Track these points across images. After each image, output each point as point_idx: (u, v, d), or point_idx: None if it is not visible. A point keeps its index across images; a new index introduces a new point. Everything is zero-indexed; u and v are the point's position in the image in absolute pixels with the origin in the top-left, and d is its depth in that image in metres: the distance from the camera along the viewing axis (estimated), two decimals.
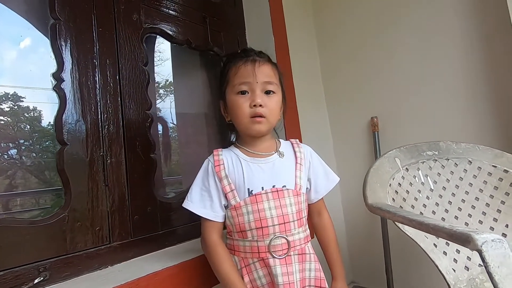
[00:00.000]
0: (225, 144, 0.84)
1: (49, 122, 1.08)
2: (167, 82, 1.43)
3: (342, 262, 0.81)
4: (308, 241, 0.74)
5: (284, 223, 0.69)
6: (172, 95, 1.41)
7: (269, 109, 0.72)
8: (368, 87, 1.47)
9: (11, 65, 1.04)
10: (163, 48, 1.30)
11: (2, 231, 0.65)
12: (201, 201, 0.72)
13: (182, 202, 0.74)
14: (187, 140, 1.42)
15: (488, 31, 1.11)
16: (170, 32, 1.06)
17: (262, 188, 0.70)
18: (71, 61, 0.80)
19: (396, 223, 0.74)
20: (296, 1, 1.53)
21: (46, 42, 1.02)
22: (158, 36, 1.09)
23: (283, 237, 0.69)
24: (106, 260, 0.78)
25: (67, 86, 0.78)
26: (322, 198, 0.81)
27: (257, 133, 0.73)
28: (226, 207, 0.73)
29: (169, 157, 1.37)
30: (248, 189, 0.70)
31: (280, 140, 0.82)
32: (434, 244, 0.79)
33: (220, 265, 0.68)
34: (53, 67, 0.79)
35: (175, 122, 1.42)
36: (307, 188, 0.79)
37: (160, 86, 1.42)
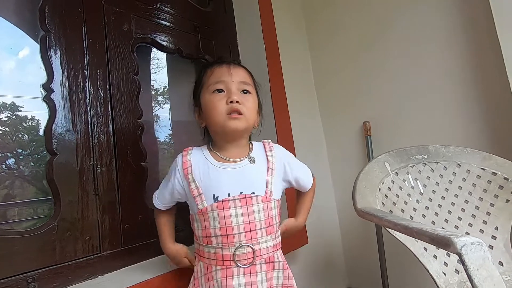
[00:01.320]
0: None
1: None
2: (165, 89, 1.44)
3: (308, 212, 0.88)
4: (277, 249, 0.72)
5: (250, 231, 0.67)
6: (169, 102, 1.42)
7: (247, 107, 0.70)
8: (360, 92, 1.49)
9: (8, 75, 1.05)
10: (160, 55, 1.32)
11: None
12: (157, 193, 0.79)
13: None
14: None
15: (476, 35, 1.13)
16: (161, 42, 1.08)
17: (229, 194, 0.67)
18: (61, 72, 0.81)
19: (386, 227, 0.75)
20: (286, 9, 1.56)
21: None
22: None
23: (249, 246, 0.66)
24: (96, 270, 0.77)
25: (56, 96, 0.79)
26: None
27: (235, 129, 0.69)
28: (191, 210, 0.73)
29: (163, 165, 1.37)
30: (214, 195, 0.68)
31: (253, 142, 0.79)
32: (424, 247, 0.80)
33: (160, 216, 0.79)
34: (43, 77, 0.80)
35: (171, 129, 1.43)
36: (287, 187, 0.81)
37: (158, 93, 1.43)
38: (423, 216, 0.88)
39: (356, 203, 0.78)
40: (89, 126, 0.83)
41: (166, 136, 1.41)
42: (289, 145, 1.30)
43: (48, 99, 0.78)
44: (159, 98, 1.45)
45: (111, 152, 0.86)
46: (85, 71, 0.86)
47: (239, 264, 0.65)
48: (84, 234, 0.77)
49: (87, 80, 0.85)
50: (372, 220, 0.69)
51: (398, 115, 1.36)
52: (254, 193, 0.69)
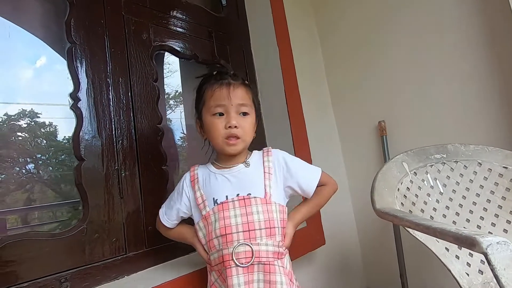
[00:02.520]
0: None
1: (65, 137, 1.14)
2: (177, 93, 1.48)
3: (306, 216, 0.83)
4: (279, 258, 0.70)
5: (249, 230, 0.69)
6: (182, 106, 1.46)
7: (244, 130, 0.75)
8: (374, 92, 1.48)
9: (28, 84, 1.10)
10: (172, 60, 1.35)
11: (24, 245, 0.69)
12: (166, 207, 0.82)
13: None
14: (197, 150, 1.45)
15: (494, 29, 1.11)
16: (178, 48, 1.11)
17: (227, 197, 0.72)
18: (86, 81, 0.85)
19: (406, 227, 0.75)
20: (298, 10, 1.57)
21: (62, 61, 1.08)
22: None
23: (247, 244, 0.68)
24: (122, 270, 0.81)
25: (83, 105, 0.83)
26: (317, 186, 0.80)
27: (232, 153, 0.76)
28: (196, 220, 0.76)
29: (178, 167, 1.41)
30: (213, 198, 0.73)
31: (254, 151, 0.83)
32: (446, 248, 0.79)
33: (169, 233, 0.83)
34: (69, 86, 0.85)
35: (185, 132, 1.46)
36: (293, 193, 0.80)
37: (170, 97, 1.47)
38: (444, 216, 0.87)
39: (374, 204, 0.79)
40: (113, 132, 0.87)
41: (178, 139, 1.45)
42: (305, 148, 1.31)
43: (75, 108, 0.82)
44: (171, 102, 1.49)
45: (134, 157, 0.89)
46: (108, 79, 0.89)
47: (237, 263, 0.67)
48: (110, 236, 0.81)
49: (110, 88, 0.89)
50: (392, 221, 0.69)
51: (414, 113, 1.35)
52: (250, 194, 0.72)
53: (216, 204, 0.72)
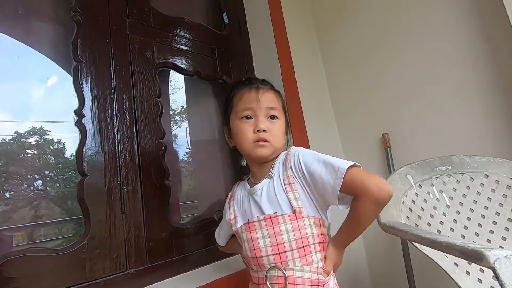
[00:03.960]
0: (237, 167, 0.85)
1: (72, 153, 1.16)
2: (183, 109, 1.50)
3: (352, 237, 0.67)
4: (318, 286, 0.63)
5: (280, 253, 0.64)
6: (187, 121, 1.47)
7: (273, 134, 0.71)
8: (377, 104, 1.48)
9: (38, 102, 1.13)
10: (177, 77, 1.38)
11: (25, 261, 0.68)
12: (220, 226, 0.84)
13: (196, 227, 0.77)
14: (202, 166, 1.46)
15: (498, 40, 1.12)
16: (181, 65, 1.14)
17: (257, 216, 0.68)
18: (91, 98, 0.87)
19: (412, 242, 0.72)
20: (299, 27, 1.61)
21: (70, 80, 1.11)
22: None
23: (279, 269, 0.63)
24: (123, 287, 0.79)
25: (87, 121, 0.85)
26: (350, 180, 0.61)
27: (260, 157, 0.71)
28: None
29: (181, 183, 1.41)
30: (248, 219, 0.70)
31: (281, 154, 0.75)
32: (455, 263, 0.76)
33: (223, 249, 0.86)
34: (75, 104, 0.86)
35: (190, 148, 1.47)
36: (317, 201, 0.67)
37: (176, 113, 1.49)
38: (451, 229, 0.84)
39: (379, 218, 0.77)
40: (116, 148, 0.88)
41: (184, 155, 1.45)
42: None
43: (79, 124, 0.83)
44: (177, 117, 1.51)
45: (136, 172, 0.90)
46: (112, 96, 0.91)
47: None
48: (111, 252, 0.80)
49: (114, 104, 0.91)
50: (397, 235, 0.68)
51: (419, 126, 1.34)
52: (276, 212, 0.66)
53: (245, 223, 0.70)
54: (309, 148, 1.34)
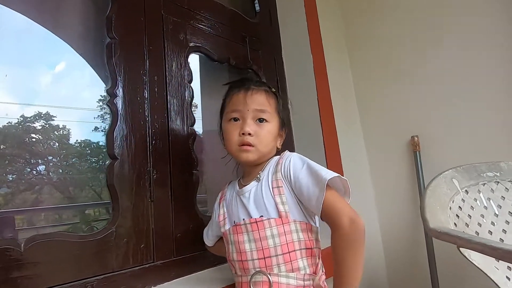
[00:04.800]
0: None
1: (77, 140, 1.12)
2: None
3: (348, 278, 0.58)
4: None
5: (264, 258, 0.62)
6: (195, 113, 1.42)
7: (259, 138, 0.68)
8: (406, 104, 1.42)
9: (46, 87, 1.08)
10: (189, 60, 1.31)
11: (53, 246, 0.64)
12: (208, 225, 0.83)
13: None
14: (213, 158, 1.41)
15: None
16: (212, 51, 1.08)
17: (243, 219, 0.67)
18: (123, 77, 0.82)
19: (463, 251, 0.67)
20: (329, 21, 1.54)
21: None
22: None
23: (264, 274, 0.62)
24: (149, 280, 0.75)
25: (119, 101, 0.80)
26: (324, 209, 0.60)
27: (245, 161, 0.70)
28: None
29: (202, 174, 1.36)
30: (234, 221, 0.69)
31: (273, 158, 0.73)
32: (507, 277, 0.71)
33: (211, 250, 0.84)
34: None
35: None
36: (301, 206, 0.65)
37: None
38: (501, 240, 0.79)
39: (427, 222, 0.72)
40: (147, 132, 0.83)
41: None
42: (337, 160, 1.25)
43: (111, 104, 0.79)
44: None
45: (166, 159, 0.85)
46: (144, 77, 0.86)
47: None
48: (139, 241, 0.75)
49: (146, 86, 0.86)
50: (455, 243, 0.62)
51: (452, 129, 1.28)
52: (262, 216, 0.65)
53: (232, 225, 0.69)
54: (338, 145, 1.29)
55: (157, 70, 0.90)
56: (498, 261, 0.70)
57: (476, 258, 0.68)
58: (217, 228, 0.75)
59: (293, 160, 0.68)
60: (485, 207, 0.83)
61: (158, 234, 0.79)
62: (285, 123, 0.77)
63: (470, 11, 1.24)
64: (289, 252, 0.62)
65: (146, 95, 0.86)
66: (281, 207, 0.64)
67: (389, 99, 1.48)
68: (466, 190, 0.83)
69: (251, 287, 0.63)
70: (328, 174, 0.61)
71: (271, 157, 0.74)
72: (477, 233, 0.79)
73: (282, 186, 0.66)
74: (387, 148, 1.47)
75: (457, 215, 0.79)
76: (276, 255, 0.62)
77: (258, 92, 0.72)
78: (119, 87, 0.80)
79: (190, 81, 0.98)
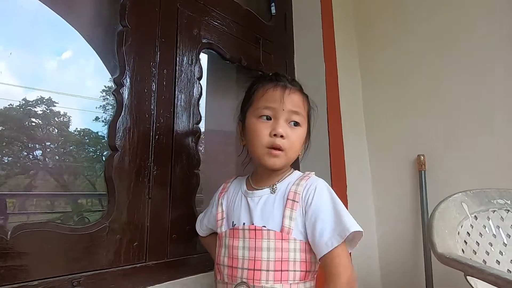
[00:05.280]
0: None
1: (76, 128, 1.09)
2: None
3: None
4: None
5: (254, 269, 0.58)
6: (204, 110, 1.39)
7: (291, 142, 0.63)
8: (414, 122, 1.39)
9: (50, 72, 1.06)
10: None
11: (43, 236, 0.60)
12: (203, 214, 0.79)
13: None
14: (213, 158, 1.38)
15: None
16: (225, 49, 1.06)
17: (244, 224, 0.63)
18: (132, 67, 0.79)
19: (469, 279, 0.64)
20: (342, 31, 1.52)
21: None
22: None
23: (248, 286, 0.58)
24: (140, 280, 0.71)
25: (125, 91, 0.77)
26: (330, 255, 0.57)
27: (271, 167, 0.65)
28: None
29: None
30: (233, 222, 0.66)
31: (295, 172, 0.70)
32: None
33: (201, 241, 0.81)
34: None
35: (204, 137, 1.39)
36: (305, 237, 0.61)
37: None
38: (509, 271, 0.76)
39: (435, 247, 0.69)
40: (152, 126, 0.80)
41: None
42: (341, 172, 1.22)
43: (117, 93, 0.76)
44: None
45: (168, 155, 0.82)
46: (153, 69, 0.84)
47: None
48: (133, 239, 0.72)
49: (154, 78, 0.83)
50: (465, 271, 0.59)
51: (460, 150, 1.25)
52: (265, 226, 0.61)
53: (230, 228, 0.66)
54: (344, 158, 1.26)
55: (167, 64, 0.87)
56: None
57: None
58: (213, 223, 0.73)
59: (319, 188, 0.63)
60: (494, 235, 0.80)
61: (152, 233, 0.76)
62: (310, 134, 0.71)
63: (483, 31, 1.22)
64: (281, 271, 0.58)
65: (154, 87, 0.83)
66: (286, 222, 0.60)
67: (398, 115, 1.45)
68: (475, 216, 0.81)
69: None
70: (353, 225, 0.57)
71: (291, 170, 0.69)
72: (484, 261, 0.75)
73: (298, 202, 0.61)
74: (392, 165, 1.44)
75: (465, 241, 0.76)
76: (267, 270, 0.58)
77: (296, 92, 0.67)
78: (127, 77, 0.78)
79: (200, 78, 0.95)
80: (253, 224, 0.62)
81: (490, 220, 0.81)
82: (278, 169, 0.67)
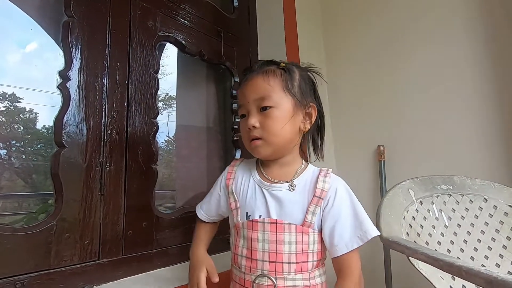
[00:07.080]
0: (229, 161, 0.78)
1: (44, 125, 1.04)
2: (167, 96, 1.39)
3: None
4: None
5: (276, 262, 0.59)
6: (171, 107, 1.37)
7: (266, 128, 0.61)
8: (375, 114, 1.45)
9: (14, 66, 1.00)
10: (169, 53, 1.26)
11: None
12: (202, 203, 0.76)
13: (182, 219, 0.70)
14: (186, 154, 1.37)
15: (503, 66, 1.12)
16: (184, 42, 1.04)
17: (260, 216, 0.63)
18: (80, 61, 0.76)
19: (412, 260, 0.69)
20: (307, 25, 1.54)
21: (52, 44, 0.98)
22: (167, 46, 1.07)
23: (270, 278, 0.59)
24: (92, 279, 0.70)
25: (72, 85, 0.74)
26: (346, 255, 0.60)
27: (260, 157, 0.66)
28: (230, 223, 0.70)
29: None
30: (247, 213, 0.65)
31: (309, 166, 0.69)
32: (450, 286, 0.74)
33: (196, 228, 0.77)
34: (60, 65, 0.75)
35: (170, 135, 1.37)
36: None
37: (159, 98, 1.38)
38: (448, 251, 0.82)
39: (381, 231, 0.73)
40: (103, 121, 0.78)
41: (162, 142, 1.36)
42: None
43: (63, 87, 0.73)
44: (159, 103, 1.40)
45: (122, 151, 0.80)
46: (104, 62, 0.81)
47: None
48: (83, 237, 0.70)
49: (105, 72, 0.81)
50: (403, 252, 0.64)
51: (416, 141, 1.32)
52: (285, 220, 0.62)
53: (247, 219, 0.64)
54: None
55: (120, 57, 0.84)
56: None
57: (424, 267, 0.70)
58: (218, 208, 0.72)
59: (340, 190, 0.63)
60: (437, 219, 0.86)
61: (106, 230, 0.74)
62: (306, 98, 0.65)
63: (438, 23, 1.28)
64: (302, 262, 0.60)
65: (105, 81, 0.80)
66: (309, 217, 0.61)
67: (361, 108, 1.51)
68: (420, 201, 0.86)
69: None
70: (374, 230, 0.61)
71: (305, 164, 0.68)
72: (427, 243, 0.81)
73: (323, 199, 0.62)
74: (355, 156, 1.50)
75: (410, 225, 0.81)
76: (289, 263, 0.59)
77: (253, 78, 0.64)
78: (74, 70, 0.74)
79: (157, 71, 0.93)
80: (271, 217, 0.62)
81: (434, 204, 0.87)
82: (271, 157, 0.66)
